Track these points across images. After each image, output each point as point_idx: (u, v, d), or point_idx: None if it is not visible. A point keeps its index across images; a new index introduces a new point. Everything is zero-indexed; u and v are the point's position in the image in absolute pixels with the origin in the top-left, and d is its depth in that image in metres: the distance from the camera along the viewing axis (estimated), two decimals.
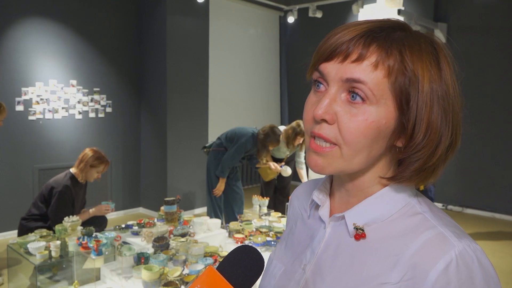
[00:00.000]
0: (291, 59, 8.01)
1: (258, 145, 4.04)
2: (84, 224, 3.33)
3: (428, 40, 0.60)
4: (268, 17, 7.83)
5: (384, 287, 0.58)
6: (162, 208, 3.34)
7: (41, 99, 4.87)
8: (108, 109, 5.50)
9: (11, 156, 4.71)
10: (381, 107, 0.58)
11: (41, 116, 4.89)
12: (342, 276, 0.62)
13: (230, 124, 6.91)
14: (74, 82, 5.14)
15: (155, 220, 3.34)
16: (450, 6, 6.08)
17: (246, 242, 3.02)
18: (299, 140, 4.37)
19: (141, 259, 2.48)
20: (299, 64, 7.73)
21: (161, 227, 3.04)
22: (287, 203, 4.36)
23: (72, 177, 3.42)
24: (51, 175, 3.69)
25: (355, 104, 0.58)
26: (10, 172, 4.71)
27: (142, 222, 3.26)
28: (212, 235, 3.18)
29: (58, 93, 5.01)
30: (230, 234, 3.19)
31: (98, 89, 5.38)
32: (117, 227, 3.22)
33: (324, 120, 0.59)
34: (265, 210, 3.86)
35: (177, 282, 2.25)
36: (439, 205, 6.26)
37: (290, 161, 4.79)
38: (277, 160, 4.61)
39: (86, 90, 5.26)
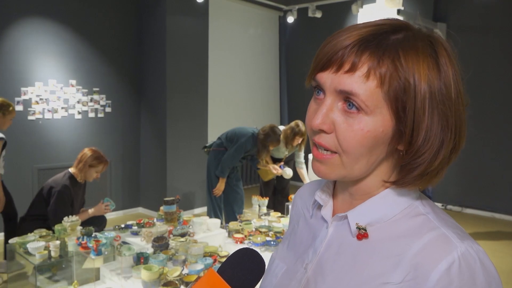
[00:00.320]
0: (291, 59, 8.01)
1: (259, 145, 4.03)
2: (84, 224, 3.33)
3: (427, 41, 0.59)
4: (267, 17, 7.82)
5: (386, 287, 0.58)
6: (161, 208, 3.34)
7: (41, 99, 4.87)
8: (108, 109, 5.50)
9: (11, 156, 4.70)
10: (376, 116, 0.58)
11: (40, 116, 4.88)
12: (343, 275, 0.62)
13: (229, 124, 6.90)
14: (73, 82, 5.14)
15: (155, 220, 3.34)
16: (450, 6, 6.09)
17: (246, 242, 3.02)
18: (298, 140, 4.37)
19: (140, 259, 2.48)
20: (298, 64, 7.75)
21: (160, 227, 3.04)
22: (286, 203, 4.36)
23: (71, 177, 3.41)
24: (51, 175, 3.69)
25: (351, 114, 0.58)
26: (10, 172, 4.70)
27: (142, 222, 3.26)
28: (212, 235, 3.18)
29: (57, 93, 5.00)
30: (230, 234, 3.19)
31: (97, 89, 5.37)
32: (116, 227, 3.22)
33: (322, 130, 0.60)
34: (264, 210, 3.86)
35: (176, 282, 2.25)
36: (439, 205, 6.26)
37: (290, 161, 4.79)
38: (276, 160, 4.61)
39: (86, 90, 5.26)
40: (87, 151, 3.47)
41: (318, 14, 6.61)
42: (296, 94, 7.95)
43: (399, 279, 0.57)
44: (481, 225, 5.53)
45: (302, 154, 4.65)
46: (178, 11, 5.55)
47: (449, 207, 6.24)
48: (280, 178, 4.71)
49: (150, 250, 2.74)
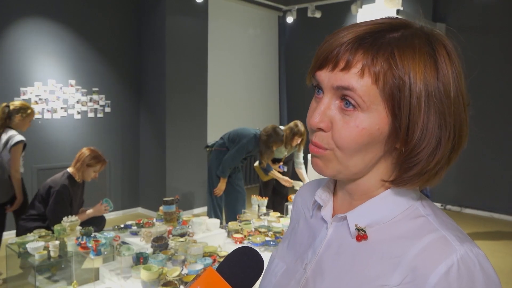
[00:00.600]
0: (290, 59, 8.01)
1: (261, 146, 4.04)
2: (83, 224, 3.33)
3: (426, 39, 0.58)
4: (267, 17, 7.83)
5: None
6: (161, 208, 3.34)
7: (40, 99, 4.87)
8: (107, 109, 5.50)
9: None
10: (372, 113, 0.58)
11: (40, 116, 4.88)
12: (342, 276, 0.62)
13: (229, 123, 6.91)
14: (73, 82, 5.14)
15: (154, 220, 3.34)
16: (449, 6, 6.09)
17: (245, 242, 3.02)
18: (297, 140, 4.38)
19: (140, 259, 2.48)
20: (298, 64, 7.75)
21: (160, 227, 3.04)
22: (286, 203, 4.36)
23: (70, 177, 3.42)
24: (50, 175, 3.69)
25: (347, 111, 0.58)
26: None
27: (141, 222, 3.26)
28: (211, 235, 3.18)
29: (57, 93, 5.00)
30: (229, 234, 3.19)
31: (97, 89, 5.37)
32: (116, 227, 3.22)
33: (320, 128, 0.61)
34: (264, 210, 3.86)
35: (176, 282, 2.25)
36: (438, 205, 6.27)
37: (288, 161, 4.80)
38: (276, 160, 4.62)
39: (85, 90, 5.26)
40: (85, 151, 3.47)
41: (318, 14, 6.61)
42: (295, 94, 7.95)
43: (397, 281, 0.57)
44: (480, 225, 5.53)
45: (301, 155, 4.65)
46: (178, 11, 5.55)
47: (448, 207, 6.24)
48: None
49: (149, 250, 2.74)
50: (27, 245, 2.70)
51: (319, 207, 0.72)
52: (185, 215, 4.26)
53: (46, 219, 3.33)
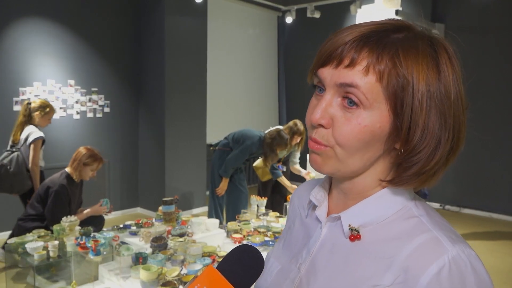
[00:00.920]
0: (289, 59, 8.02)
1: (266, 148, 4.06)
2: (82, 224, 3.33)
3: (428, 41, 0.59)
4: (266, 17, 7.83)
5: None
6: (160, 208, 3.34)
7: (39, 99, 4.86)
8: (106, 109, 5.50)
9: None
10: (375, 111, 0.58)
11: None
12: (335, 276, 0.63)
13: (228, 123, 6.91)
14: (72, 82, 5.13)
15: (153, 220, 3.34)
16: (448, 6, 6.10)
17: (244, 242, 3.02)
18: (297, 139, 4.39)
19: (139, 259, 2.48)
20: (297, 64, 7.75)
21: (159, 227, 3.04)
22: (285, 203, 4.37)
23: (68, 176, 3.42)
24: (49, 175, 3.69)
25: (349, 109, 0.59)
26: None
27: (140, 222, 3.26)
28: (210, 235, 3.18)
29: (56, 93, 5.00)
30: (228, 234, 3.20)
31: (96, 89, 5.37)
32: (115, 227, 3.22)
33: (321, 125, 0.61)
34: (263, 210, 3.86)
35: (175, 282, 2.25)
36: (436, 205, 6.28)
37: (287, 161, 4.81)
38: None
39: (84, 90, 5.26)
40: (81, 150, 3.48)
41: (317, 15, 6.62)
42: (294, 94, 7.95)
43: (389, 282, 0.57)
44: (479, 225, 5.54)
45: (298, 155, 4.67)
46: (177, 11, 5.55)
47: (447, 207, 6.25)
48: None
49: (148, 250, 2.74)
50: (26, 245, 2.69)
51: (314, 207, 0.72)
52: (184, 215, 4.26)
53: (44, 219, 3.33)
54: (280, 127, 4.52)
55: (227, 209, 4.42)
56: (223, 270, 0.57)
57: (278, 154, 4.16)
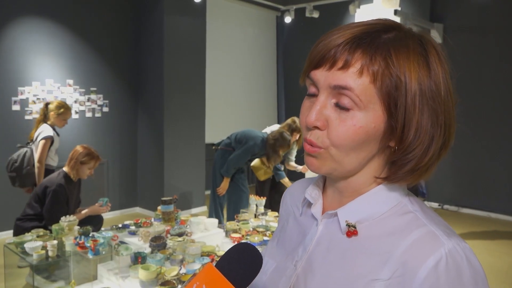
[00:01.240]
0: (288, 59, 8.02)
1: (268, 150, 4.07)
2: (81, 223, 3.33)
3: (417, 40, 0.60)
4: (265, 17, 7.83)
5: (375, 283, 0.59)
6: (159, 207, 3.34)
7: (38, 98, 4.86)
8: (105, 109, 5.50)
9: (8, 156, 4.69)
10: (369, 111, 0.59)
11: (37, 116, 4.87)
12: (333, 272, 0.63)
13: (227, 123, 6.92)
14: (71, 81, 5.13)
15: (152, 220, 3.34)
16: (447, 6, 6.11)
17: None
18: (296, 136, 4.41)
19: (138, 259, 2.48)
20: (296, 64, 7.75)
21: (158, 227, 3.04)
22: None
23: (66, 176, 3.42)
24: (47, 175, 3.69)
25: (344, 110, 0.59)
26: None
27: (139, 221, 3.26)
28: (209, 235, 3.18)
29: (54, 92, 5.00)
30: (227, 234, 3.20)
31: (95, 88, 5.37)
32: (114, 226, 3.22)
33: (316, 127, 0.61)
34: (262, 209, 3.87)
35: (174, 281, 2.26)
36: (435, 204, 6.29)
37: (284, 160, 4.81)
38: None
39: (83, 90, 5.26)
40: (78, 148, 3.49)
41: (316, 14, 6.62)
42: (293, 94, 7.96)
43: (387, 276, 0.58)
44: (477, 225, 5.55)
45: (295, 153, 4.68)
46: (176, 11, 5.55)
47: (445, 206, 6.26)
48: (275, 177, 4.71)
49: (147, 249, 2.74)
50: (25, 245, 2.69)
51: (309, 204, 0.73)
52: (183, 214, 4.26)
53: (42, 219, 3.33)
54: (277, 125, 4.53)
55: (228, 208, 4.42)
56: (221, 268, 0.58)
57: (280, 155, 4.17)
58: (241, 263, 0.59)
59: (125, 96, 5.69)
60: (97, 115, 5.42)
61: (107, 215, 5.17)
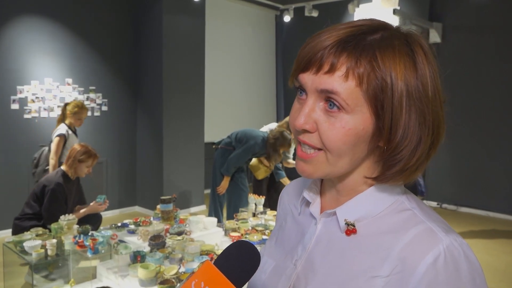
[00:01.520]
0: (287, 58, 8.03)
1: (269, 149, 4.07)
2: (80, 222, 3.33)
3: (404, 40, 0.60)
4: (264, 16, 7.83)
5: (374, 280, 0.59)
6: (158, 206, 3.34)
7: (37, 97, 4.86)
8: (104, 108, 5.49)
9: (6, 155, 4.69)
10: (357, 114, 0.59)
11: (36, 115, 4.87)
12: (333, 270, 0.64)
13: (226, 122, 6.92)
14: (69, 80, 5.13)
15: (151, 219, 3.34)
16: (446, 5, 6.11)
17: None
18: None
19: (137, 258, 2.48)
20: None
21: (157, 226, 3.04)
22: None
23: (64, 174, 3.42)
24: (46, 174, 3.70)
25: (332, 113, 0.60)
26: (6, 171, 4.70)
27: (138, 220, 3.26)
28: (208, 234, 3.18)
29: (53, 91, 4.99)
30: (226, 233, 3.20)
31: (94, 87, 5.37)
32: (113, 225, 3.22)
33: (306, 130, 0.62)
34: (261, 208, 3.87)
35: (173, 280, 2.26)
36: (434, 203, 6.30)
37: (283, 159, 4.81)
38: None
39: (82, 89, 5.25)
40: (76, 147, 3.49)
41: (315, 13, 6.63)
42: (292, 93, 7.94)
43: (387, 272, 0.59)
44: (476, 223, 5.56)
45: (292, 150, 4.69)
46: (175, 10, 5.55)
47: (444, 205, 6.27)
48: (274, 176, 4.72)
49: (146, 248, 2.74)
50: (24, 244, 2.69)
51: (307, 204, 0.73)
52: (182, 213, 4.26)
53: (41, 218, 3.33)
54: (275, 124, 4.53)
55: (228, 208, 4.43)
56: (220, 265, 0.58)
57: (281, 154, 4.17)
58: (239, 260, 0.60)
59: (124, 95, 5.69)
60: (96, 114, 5.42)
61: (106, 214, 5.17)
